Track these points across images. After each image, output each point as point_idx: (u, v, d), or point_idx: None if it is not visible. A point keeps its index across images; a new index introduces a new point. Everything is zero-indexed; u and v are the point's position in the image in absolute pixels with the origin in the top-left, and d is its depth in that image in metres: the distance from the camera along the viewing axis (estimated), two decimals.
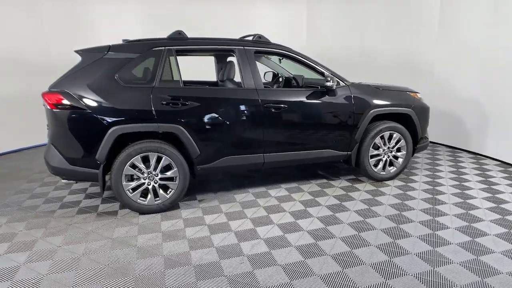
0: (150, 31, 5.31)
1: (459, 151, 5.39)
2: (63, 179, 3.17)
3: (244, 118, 3.37)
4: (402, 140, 3.99)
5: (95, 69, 3.06)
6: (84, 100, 2.95)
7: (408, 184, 3.97)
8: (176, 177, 3.24)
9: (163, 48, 3.23)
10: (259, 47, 3.55)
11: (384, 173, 4.02)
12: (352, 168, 4.24)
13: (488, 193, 3.66)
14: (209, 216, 3.19)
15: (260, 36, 3.63)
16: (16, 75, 5.46)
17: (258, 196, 3.64)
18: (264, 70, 4.81)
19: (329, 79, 3.47)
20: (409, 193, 3.69)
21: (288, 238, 2.76)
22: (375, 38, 6.45)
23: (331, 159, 3.84)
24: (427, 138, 4.30)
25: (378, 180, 4.03)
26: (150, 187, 3.19)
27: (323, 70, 3.69)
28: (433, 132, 5.84)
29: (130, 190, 3.14)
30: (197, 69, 4.74)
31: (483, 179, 4.09)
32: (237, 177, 4.24)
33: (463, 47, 5.13)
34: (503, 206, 3.33)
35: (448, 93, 5.44)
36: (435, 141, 5.87)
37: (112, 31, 5.98)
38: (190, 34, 3.44)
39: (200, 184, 4.03)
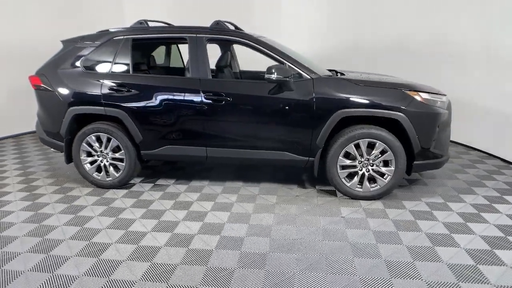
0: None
1: None
2: (51, 147, 3.85)
3: (184, 108, 3.28)
4: (389, 152, 3.09)
5: (68, 56, 3.54)
6: (54, 83, 3.48)
7: (387, 209, 3.07)
8: (124, 159, 3.49)
9: (122, 37, 3.45)
10: (212, 34, 3.33)
11: (360, 189, 3.22)
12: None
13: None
14: (130, 199, 3.32)
15: (217, 23, 3.39)
16: None
17: (205, 192, 3.53)
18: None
19: (273, 70, 2.97)
20: (370, 220, 2.87)
21: (158, 238, 2.64)
22: (443, 23, 4.93)
23: (289, 163, 3.32)
24: (440, 154, 3.17)
25: (353, 197, 3.26)
26: (102, 164, 3.55)
27: (283, 60, 3.18)
28: (506, 148, 4.24)
29: (88, 165, 3.58)
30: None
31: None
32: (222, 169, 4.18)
33: None
34: None
35: None
36: (506, 159, 4.22)
37: None
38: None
39: (176, 170, 4.18)
